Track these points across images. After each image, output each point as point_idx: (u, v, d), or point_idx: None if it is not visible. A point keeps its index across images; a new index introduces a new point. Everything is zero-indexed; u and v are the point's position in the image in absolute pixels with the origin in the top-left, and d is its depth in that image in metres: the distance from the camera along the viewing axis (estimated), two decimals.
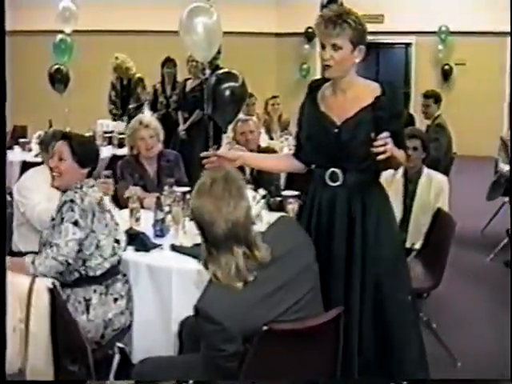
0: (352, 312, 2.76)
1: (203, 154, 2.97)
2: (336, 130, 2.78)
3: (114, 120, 8.03)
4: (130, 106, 8.01)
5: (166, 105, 7.79)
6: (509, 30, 10.82)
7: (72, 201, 3.07)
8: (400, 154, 2.74)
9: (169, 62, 7.87)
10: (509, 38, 11.17)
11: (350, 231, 2.80)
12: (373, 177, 2.88)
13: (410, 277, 3.04)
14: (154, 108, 7.88)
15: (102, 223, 3.16)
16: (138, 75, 8.06)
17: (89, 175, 3.28)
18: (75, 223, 3.04)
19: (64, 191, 3.18)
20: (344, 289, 2.79)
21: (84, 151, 3.27)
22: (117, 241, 3.25)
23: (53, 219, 3.14)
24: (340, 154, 2.77)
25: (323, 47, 2.75)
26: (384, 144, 2.56)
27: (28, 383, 2.79)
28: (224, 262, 2.32)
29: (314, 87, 2.95)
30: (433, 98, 6.57)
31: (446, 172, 5.57)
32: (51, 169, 3.25)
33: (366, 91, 2.79)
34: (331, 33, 2.69)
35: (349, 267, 2.79)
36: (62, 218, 3.05)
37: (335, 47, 2.71)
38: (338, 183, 2.82)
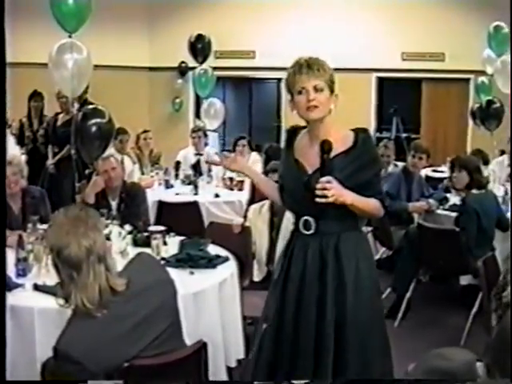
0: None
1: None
2: (306, 179, 2.75)
3: None
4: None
5: (33, 139, 7.60)
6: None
7: None
8: (364, 202, 2.73)
9: (36, 96, 7.69)
10: (373, 74, 11.76)
11: (322, 280, 2.77)
12: (349, 224, 2.82)
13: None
14: (20, 142, 7.67)
15: None
16: None
17: None
18: None
19: None
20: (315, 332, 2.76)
21: None
22: None
23: None
24: (312, 203, 2.65)
25: (300, 93, 2.74)
26: (323, 188, 2.58)
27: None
28: (90, 282, 2.32)
29: (292, 133, 2.96)
30: None
31: None
32: None
33: (340, 139, 2.77)
34: (314, 74, 2.73)
35: (320, 316, 2.76)
36: None
37: (316, 89, 2.73)
38: (310, 231, 2.80)
